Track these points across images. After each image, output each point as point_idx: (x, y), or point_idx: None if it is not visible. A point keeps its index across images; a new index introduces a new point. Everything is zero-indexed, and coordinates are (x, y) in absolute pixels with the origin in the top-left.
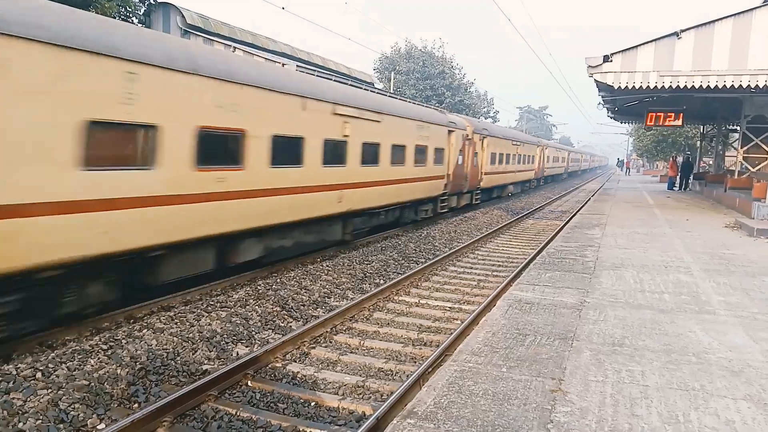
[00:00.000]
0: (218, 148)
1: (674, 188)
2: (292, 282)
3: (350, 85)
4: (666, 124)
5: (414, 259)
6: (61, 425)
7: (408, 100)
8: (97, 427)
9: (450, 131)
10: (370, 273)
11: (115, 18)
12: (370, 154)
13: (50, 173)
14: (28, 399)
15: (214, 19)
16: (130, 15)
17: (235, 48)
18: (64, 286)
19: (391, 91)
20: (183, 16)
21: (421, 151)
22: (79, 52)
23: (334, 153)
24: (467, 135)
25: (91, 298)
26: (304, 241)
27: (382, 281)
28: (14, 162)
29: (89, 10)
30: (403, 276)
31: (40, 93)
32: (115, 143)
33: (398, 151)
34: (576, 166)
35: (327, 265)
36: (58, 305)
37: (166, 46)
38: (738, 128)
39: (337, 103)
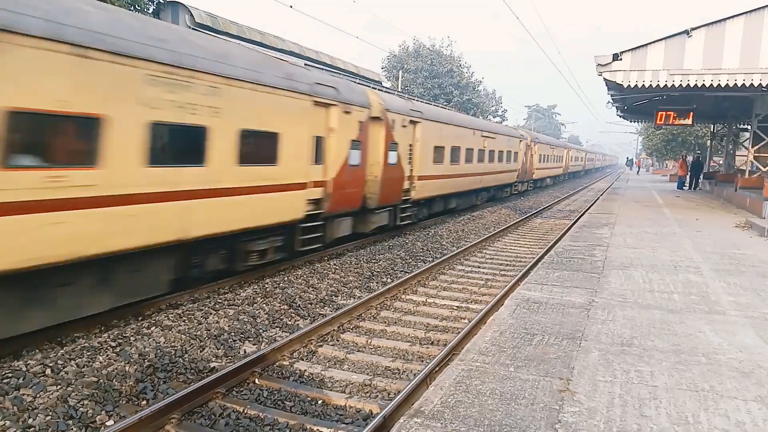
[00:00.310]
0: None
1: (684, 188)
2: (300, 280)
3: (358, 83)
4: (676, 123)
5: (421, 257)
6: (70, 421)
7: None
8: (106, 423)
9: (519, 141)
10: (378, 271)
11: None
12: (494, 156)
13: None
14: (38, 395)
15: (222, 18)
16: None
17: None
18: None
19: (399, 89)
20: (192, 15)
21: (508, 154)
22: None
23: (482, 156)
24: (528, 143)
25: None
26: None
27: (389, 280)
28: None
29: None
30: (410, 275)
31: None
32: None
33: (501, 154)
34: (591, 164)
35: (334, 264)
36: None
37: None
38: (749, 127)
39: (481, 129)
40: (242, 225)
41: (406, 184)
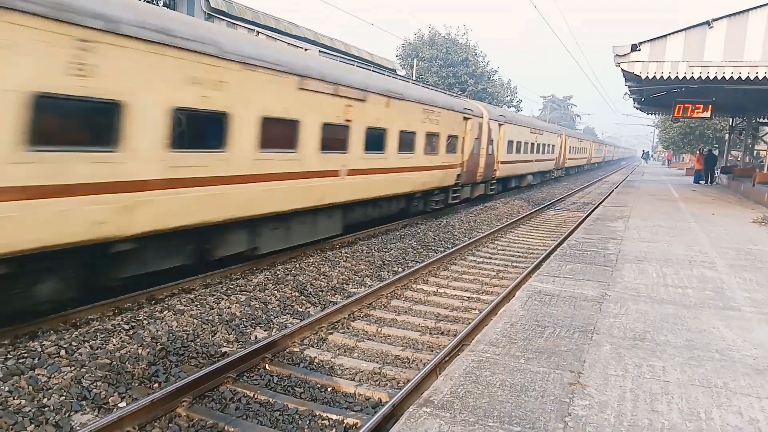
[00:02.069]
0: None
1: (701, 182)
2: (311, 268)
3: (373, 70)
4: (694, 115)
5: (433, 247)
6: (84, 402)
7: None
8: (119, 405)
9: (558, 136)
10: (389, 260)
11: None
12: (541, 148)
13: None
14: (53, 375)
15: (238, 3)
16: None
17: (258, 32)
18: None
19: (414, 78)
20: (207, 0)
21: (550, 147)
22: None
23: (535, 147)
24: (563, 138)
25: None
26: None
27: (400, 269)
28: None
29: None
30: (421, 264)
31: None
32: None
33: (545, 147)
34: (610, 156)
35: (346, 252)
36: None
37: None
38: None
39: (533, 127)
40: (434, 185)
41: (495, 167)
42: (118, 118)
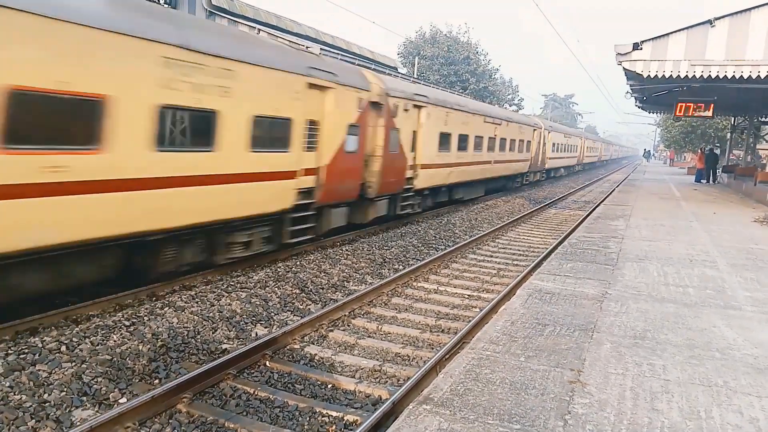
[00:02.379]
0: None
1: (702, 181)
2: (312, 265)
3: (374, 68)
4: (696, 114)
5: (434, 245)
6: (85, 398)
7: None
8: (119, 401)
9: (533, 130)
10: (390, 258)
11: None
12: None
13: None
14: (53, 371)
15: (239, 0)
16: None
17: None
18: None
19: (415, 76)
20: None
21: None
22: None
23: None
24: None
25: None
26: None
27: (401, 267)
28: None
29: None
30: (422, 262)
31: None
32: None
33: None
34: (616, 154)
35: (346, 249)
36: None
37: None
38: None
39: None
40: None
41: (582, 157)
42: (214, 124)
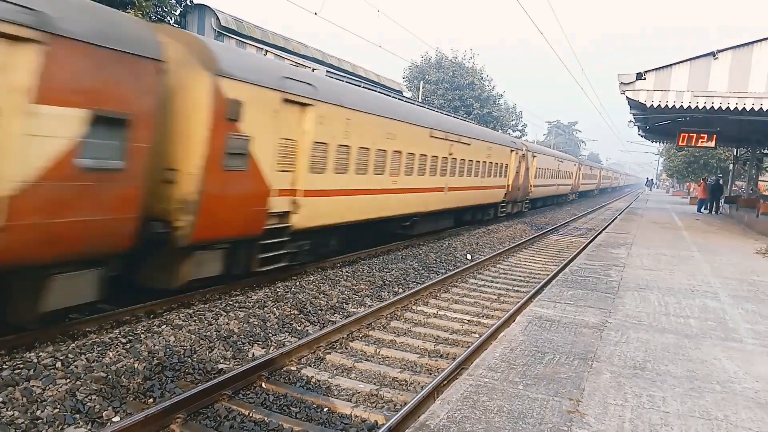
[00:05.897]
0: None
1: (703, 211)
2: (311, 286)
3: (379, 91)
4: (698, 145)
5: (434, 269)
6: (77, 415)
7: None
8: (112, 419)
9: (511, 151)
10: (390, 281)
11: (150, 17)
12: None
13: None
14: (47, 387)
15: (247, 22)
16: (166, 15)
17: (266, 51)
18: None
19: (419, 100)
20: (218, 18)
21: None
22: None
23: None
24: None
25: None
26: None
27: (400, 290)
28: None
29: (126, 10)
30: (422, 286)
31: None
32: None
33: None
34: (617, 183)
35: (346, 271)
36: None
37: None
38: None
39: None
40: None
41: (600, 183)
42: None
